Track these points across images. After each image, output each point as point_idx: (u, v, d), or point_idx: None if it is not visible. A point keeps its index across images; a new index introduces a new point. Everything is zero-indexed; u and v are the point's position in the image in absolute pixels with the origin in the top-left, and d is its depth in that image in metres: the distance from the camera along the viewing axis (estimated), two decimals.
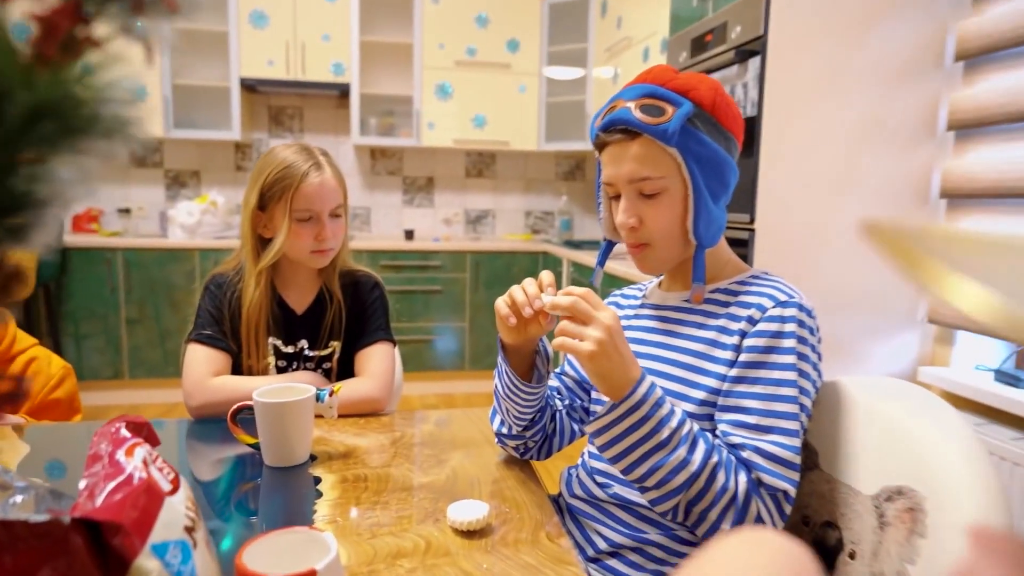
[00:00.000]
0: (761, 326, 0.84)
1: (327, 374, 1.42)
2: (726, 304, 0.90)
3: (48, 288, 3.43)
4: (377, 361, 1.36)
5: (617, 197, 0.92)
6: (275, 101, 4.16)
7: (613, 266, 2.95)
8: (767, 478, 0.79)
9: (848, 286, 1.84)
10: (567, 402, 1.08)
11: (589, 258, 3.29)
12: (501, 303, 0.88)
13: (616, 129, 0.87)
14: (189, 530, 0.55)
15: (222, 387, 1.25)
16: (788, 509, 0.79)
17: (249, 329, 1.34)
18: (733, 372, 0.84)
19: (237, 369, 1.36)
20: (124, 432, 0.58)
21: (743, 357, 0.84)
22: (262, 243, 1.36)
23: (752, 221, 1.81)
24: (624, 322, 1.03)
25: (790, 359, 0.82)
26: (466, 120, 4.08)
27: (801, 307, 0.85)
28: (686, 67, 2.25)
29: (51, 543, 0.46)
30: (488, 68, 4.06)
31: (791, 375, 0.82)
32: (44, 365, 1.35)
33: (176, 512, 0.55)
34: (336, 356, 1.42)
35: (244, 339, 1.34)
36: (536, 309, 0.84)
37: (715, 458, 0.78)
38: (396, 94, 4.06)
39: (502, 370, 0.95)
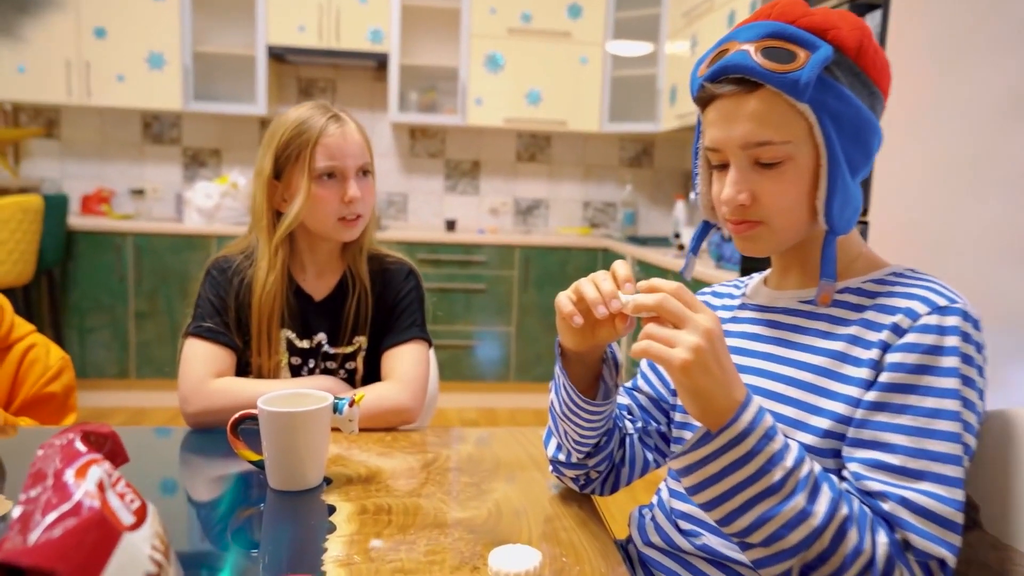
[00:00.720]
0: (911, 337, 0.72)
1: (351, 376, 1.35)
2: (859, 308, 0.78)
3: (51, 275, 3.49)
4: (409, 363, 1.29)
5: (723, 167, 0.81)
6: (305, 72, 4.15)
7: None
8: (917, 540, 0.67)
9: (987, 296, 1.67)
10: (640, 425, 0.98)
11: (657, 256, 3.16)
12: (565, 299, 0.77)
13: (729, 79, 0.76)
14: None
15: (225, 391, 1.19)
16: None
17: (261, 320, 1.28)
18: (871, 396, 0.73)
19: (244, 368, 1.30)
20: (79, 445, 0.50)
21: (885, 377, 0.72)
22: (279, 219, 1.30)
23: (865, 212, 1.67)
24: None
25: (951, 383, 0.70)
26: (519, 96, 4.00)
27: (966, 315, 0.73)
28: None
29: None
30: (545, 37, 3.97)
31: (952, 404, 0.69)
32: (42, 353, 1.35)
33: (136, 553, 0.47)
34: (362, 354, 1.35)
35: (255, 332, 1.28)
36: (614, 311, 0.73)
37: (844, 510, 0.67)
38: (440, 65, 4.01)
39: (560, 383, 0.86)
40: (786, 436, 0.69)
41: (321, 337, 1.33)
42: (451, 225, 4.04)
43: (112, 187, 4.05)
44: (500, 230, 4.25)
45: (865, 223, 1.67)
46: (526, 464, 1.07)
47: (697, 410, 0.68)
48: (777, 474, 0.66)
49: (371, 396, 1.20)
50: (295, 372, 1.32)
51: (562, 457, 0.92)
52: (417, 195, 4.32)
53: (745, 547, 0.70)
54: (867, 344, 0.74)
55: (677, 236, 3.76)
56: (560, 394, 0.86)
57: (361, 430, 1.17)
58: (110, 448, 0.53)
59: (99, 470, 0.49)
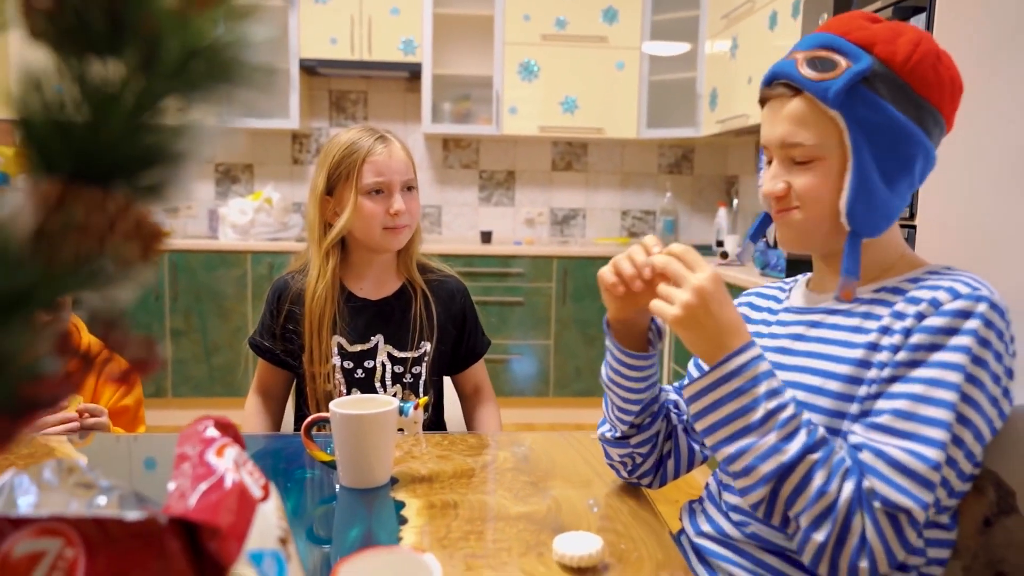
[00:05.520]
0: (931, 321, 0.81)
1: (416, 380, 1.48)
2: (892, 304, 0.87)
3: None
4: (486, 376, 1.61)
5: (771, 162, 0.93)
6: (337, 84, 4.32)
7: (731, 274, 2.89)
8: (884, 488, 0.77)
9: None
10: (686, 418, 1.09)
11: None
12: (607, 272, 0.93)
13: (778, 83, 0.89)
14: (283, 542, 0.58)
15: (244, 415, 1.52)
16: (912, 535, 0.78)
17: (312, 326, 1.43)
18: (885, 373, 0.83)
19: (300, 375, 1.48)
20: (212, 431, 0.62)
21: (900, 356, 0.82)
22: (330, 231, 1.45)
23: (912, 216, 1.74)
24: (763, 328, 1.02)
25: (959, 358, 0.79)
26: (553, 104, 4.11)
27: (993, 304, 0.81)
28: None
29: (147, 544, 0.50)
30: (580, 42, 4.08)
31: (954, 376, 0.78)
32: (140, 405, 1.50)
33: (269, 521, 0.58)
34: (428, 359, 1.48)
35: (307, 340, 1.43)
36: (646, 278, 0.89)
37: (817, 454, 0.79)
38: (473, 75, 4.14)
39: (608, 349, 1.00)
40: (784, 388, 0.83)
41: (378, 339, 1.46)
42: (486, 237, 4.16)
43: None
44: (537, 241, 4.36)
45: (912, 225, 1.75)
46: (580, 466, 1.17)
47: (698, 354, 0.85)
48: (758, 412, 0.80)
49: (496, 424, 1.57)
50: (348, 375, 1.45)
51: (608, 434, 1.06)
52: (451, 207, 4.45)
53: (732, 476, 0.84)
54: (893, 332, 0.84)
55: (720, 244, 3.83)
56: (608, 362, 1.00)
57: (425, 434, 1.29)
58: (233, 435, 0.65)
59: (233, 451, 0.61)
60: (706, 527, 0.99)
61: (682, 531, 1.05)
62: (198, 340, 3.79)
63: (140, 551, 0.50)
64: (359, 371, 1.46)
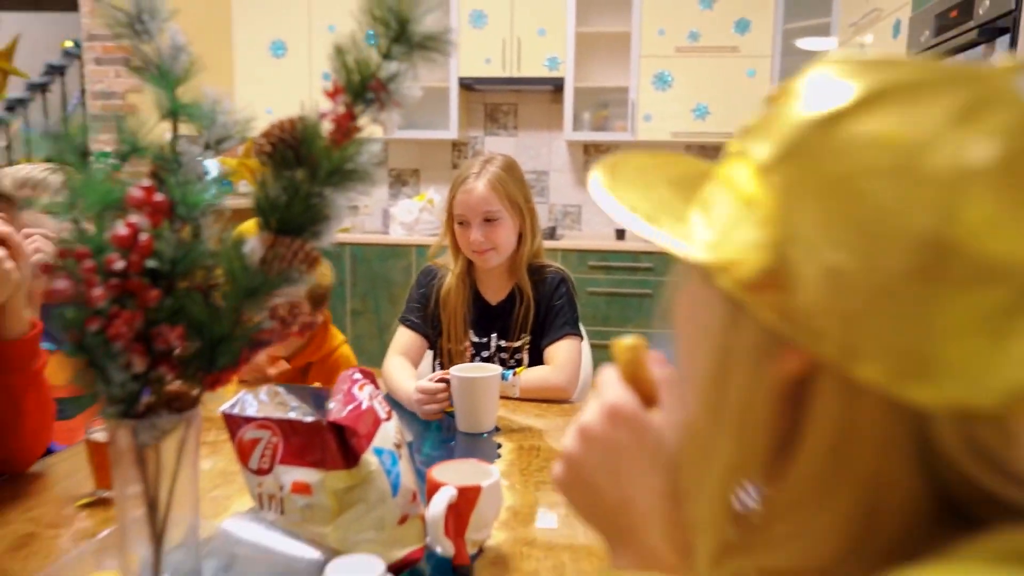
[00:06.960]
0: None
1: (519, 364, 1.74)
2: None
3: None
4: (564, 353, 1.64)
5: None
6: (490, 98, 4.66)
7: None
8: None
9: None
10: None
11: None
12: None
13: None
14: (397, 446, 0.87)
15: (387, 374, 1.61)
16: None
17: (447, 314, 1.71)
18: None
19: (437, 350, 1.76)
20: (356, 375, 0.92)
21: None
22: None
23: None
24: None
25: None
26: (686, 111, 4.23)
27: None
28: (928, 47, 2.24)
29: (316, 436, 0.80)
30: (713, 53, 4.17)
31: None
32: (344, 364, 1.84)
33: (388, 433, 0.87)
34: (527, 348, 1.73)
35: (444, 323, 1.71)
36: None
37: None
38: (611, 85, 4.33)
39: None
40: None
41: (493, 335, 1.73)
42: (620, 234, 4.35)
43: None
44: None
45: None
46: None
47: None
48: None
49: (536, 376, 1.57)
50: (472, 359, 1.73)
51: None
52: (590, 206, 4.68)
53: None
54: None
55: None
56: None
57: (525, 400, 1.55)
58: (370, 379, 0.95)
59: (369, 388, 0.90)
60: None
61: None
62: (373, 319, 4.27)
63: (312, 440, 0.81)
64: (478, 358, 1.74)
